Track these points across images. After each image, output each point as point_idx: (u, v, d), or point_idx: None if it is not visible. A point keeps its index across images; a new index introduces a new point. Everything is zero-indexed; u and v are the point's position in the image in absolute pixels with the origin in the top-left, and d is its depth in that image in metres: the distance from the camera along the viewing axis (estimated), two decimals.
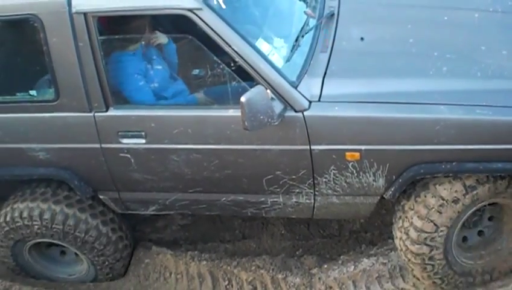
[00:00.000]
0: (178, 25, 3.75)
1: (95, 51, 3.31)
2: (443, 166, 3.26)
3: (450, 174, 3.32)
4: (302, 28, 3.56)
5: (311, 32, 3.57)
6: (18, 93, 3.55)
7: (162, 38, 3.69)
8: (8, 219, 3.81)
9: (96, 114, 3.44)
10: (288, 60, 3.36)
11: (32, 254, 4.10)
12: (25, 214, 3.76)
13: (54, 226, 3.77)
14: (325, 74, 3.34)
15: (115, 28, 3.55)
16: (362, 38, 3.54)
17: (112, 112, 3.44)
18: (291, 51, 3.41)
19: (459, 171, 3.29)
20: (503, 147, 3.19)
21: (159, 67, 3.62)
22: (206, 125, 3.36)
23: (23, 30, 3.49)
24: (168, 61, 3.76)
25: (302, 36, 3.47)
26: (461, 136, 3.18)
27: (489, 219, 3.64)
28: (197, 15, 3.14)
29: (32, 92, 3.50)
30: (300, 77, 3.31)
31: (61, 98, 3.43)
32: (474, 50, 3.46)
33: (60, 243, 3.94)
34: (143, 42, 3.62)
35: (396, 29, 3.65)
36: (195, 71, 3.55)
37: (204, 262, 4.08)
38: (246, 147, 3.37)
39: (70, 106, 3.45)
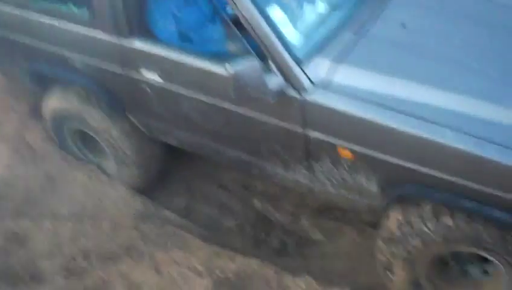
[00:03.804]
0: None
1: None
2: (436, 194, 2.89)
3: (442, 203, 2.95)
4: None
5: (349, 7, 3.19)
6: (67, 4, 3.61)
7: None
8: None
9: (121, 41, 3.46)
10: (302, 33, 3.06)
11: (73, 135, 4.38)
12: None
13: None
14: (341, 58, 3.01)
15: None
16: (404, 25, 3.10)
17: (135, 43, 3.42)
18: (313, 25, 3.09)
19: (452, 205, 2.90)
20: (506, 195, 2.70)
21: (194, 8, 3.49)
22: (212, 80, 3.23)
23: None
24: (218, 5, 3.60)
25: (333, 9, 3.12)
26: (461, 169, 2.75)
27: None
28: None
29: (73, 7, 3.56)
30: (310, 55, 3.02)
31: (96, 17, 3.47)
32: None
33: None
34: None
35: (449, 23, 3.16)
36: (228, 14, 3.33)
37: None
38: (245, 111, 3.22)
39: (102, 26, 3.49)
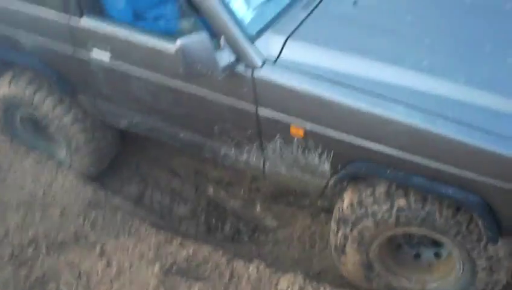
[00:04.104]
0: None
1: None
2: (388, 171, 2.86)
3: (395, 182, 2.93)
4: None
5: None
6: None
7: None
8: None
9: (71, 18, 3.37)
10: (254, 9, 3.02)
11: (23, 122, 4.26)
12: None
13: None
14: (291, 34, 2.97)
15: None
16: (355, 2, 3.09)
17: (84, 20, 3.34)
18: (263, 1, 3.06)
19: (404, 183, 2.88)
20: (459, 172, 2.70)
21: None
22: (161, 58, 3.16)
23: None
24: None
25: None
26: (413, 146, 2.74)
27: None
28: None
29: None
30: (261, 31, 2.98)
31: None
32: (476, 47, 2.89)
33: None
34: None
35: (401, 1, 3.13)
36: None
37: None
38: (197, 90, 3.15)
39: (52, 4, 3.39)
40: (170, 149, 4.35)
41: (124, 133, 4.33)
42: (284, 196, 4.08)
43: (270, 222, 4.01)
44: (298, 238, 3.82)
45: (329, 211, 3.67)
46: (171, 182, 4.28)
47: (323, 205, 3.95)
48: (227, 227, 4.06)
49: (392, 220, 2.97)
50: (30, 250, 3.67)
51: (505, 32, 2.97)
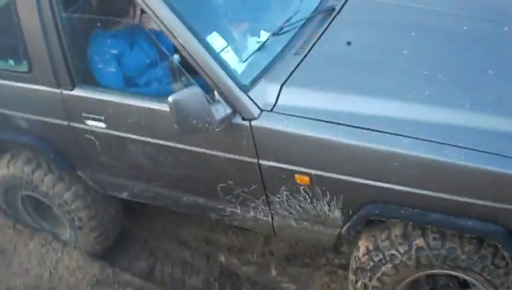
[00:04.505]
0: None
1: (59, 27, 3.15)
2: (402, 211, 2.70)
3: (410, 222, 2.76)
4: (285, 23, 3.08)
5: (295, 29, 3.10)
6: (0, 61, 3.55)
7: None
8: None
9: (63, 91, 3.32)
10: (246, 59, 2.94)
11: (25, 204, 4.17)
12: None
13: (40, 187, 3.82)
14: (286, 80, 2.88)
15: (103, 5, 3.38)
16: (349, 43, 3.01)
17: (77, 91, 3.28)
18: (255, 49, 2.98)
19: (420, 221, 2.71)
20: (476, 201, 2.54)
21: (138, 51, 3.39)
22: (158, 119, 3.08)
23: None
24: (159, 47, 3.51)
25: (276, 33, 3.03)
26: (423, 180, 2.60)
27: None
28: None
29: (11, 61, 3.47)
30: (255, 81, 2.89)
31: (34, 71, 3.35)
32: (478, 73, 2.78)
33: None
34: (134, 22, 3.39)
35: (396, 35, 3.07)
36: (174, 58, 3.24)
37: None
38: (196, 149, 3.05)
39: (41, 80, 3.36)
40: (178, 220, 4.25)
41: (129, 208, 4.24)
42: (298, 257, 3.92)
43: (287, 285, 3.82)
44: None
45: (347, 267, 3.47)
46: (182, 254, 4.12)
47: (340, 263, 3.78)
48: None
49: (412, 262, 2.79)
50: None
51: (504, 54, 2.86)
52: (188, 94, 2.72)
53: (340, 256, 3.80)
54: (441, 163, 2.52)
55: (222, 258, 4.04)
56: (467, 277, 2.83)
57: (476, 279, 2.81)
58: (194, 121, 2.72)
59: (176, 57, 3.08)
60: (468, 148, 2.51)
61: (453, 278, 2.99)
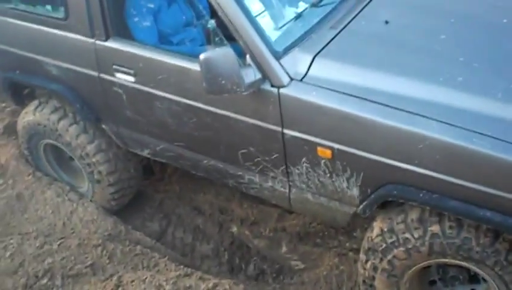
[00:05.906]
0: None
1: None
2: (421, 195, 2.66)
3: (428, 207, 2.72)
4: None
5: (334, 3, 3.09)
6: (38, 6, 3.55)
7: None
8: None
9: (97, 41, 3.34)
10: (281, 27, 2.94)
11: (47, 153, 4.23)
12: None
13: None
14: (319, 52, 2.86)
15: None
16: (387, 22, 2.98)
17: (110, 43, 3.31)
18: (292, 18, 2.98)
19: (438, 207, 2.67)
20: (498, 193, 2.49)
21: (175, 9, 3.41)
22: (187, 78, 3.08)
23: None
24: (196, 7, 3.52)
25: (315, 5, 3.02)
26: (447, 165, 2.56)
27: None
28: None
29: (48, 7, 3.49)
30: (288, 49, 2.88)
31: (70, 18, 3.38)
32: None
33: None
34: None
35: (434, 19, 3.04)
36: (211, 23, 3.25)
37: None
38: (221, 112, 3.05)
39: (77, 28, 3.39)
40: (195, 187, 4.28)
41: (148, 170, 4.28)
42: (310, 236, 3.91)
43: (296, 262, 3.81)
44: (325, 278, 3.59)
45: (358, 251, 3.44)
46: (195, 220, 4.14)
47: (352, 247, 3.75)
48: (250, 267, 3.87)
49: (425, 248, 2.76)
50: (45, 281, 3.56)
51: None
52: (220, 54, 2.71)
53: (352, 241, 3.79)
54: (468, 150, 2.48)
55: (234, 229, 4.05)
56: (478, 270, 2.79)
57: (487, 273, 2.77)
58: (223, 82, 2.72)
59: (212, 20, 3.10)
60: (497, 139, 2.47)
61: (463, 271, 2.96)
